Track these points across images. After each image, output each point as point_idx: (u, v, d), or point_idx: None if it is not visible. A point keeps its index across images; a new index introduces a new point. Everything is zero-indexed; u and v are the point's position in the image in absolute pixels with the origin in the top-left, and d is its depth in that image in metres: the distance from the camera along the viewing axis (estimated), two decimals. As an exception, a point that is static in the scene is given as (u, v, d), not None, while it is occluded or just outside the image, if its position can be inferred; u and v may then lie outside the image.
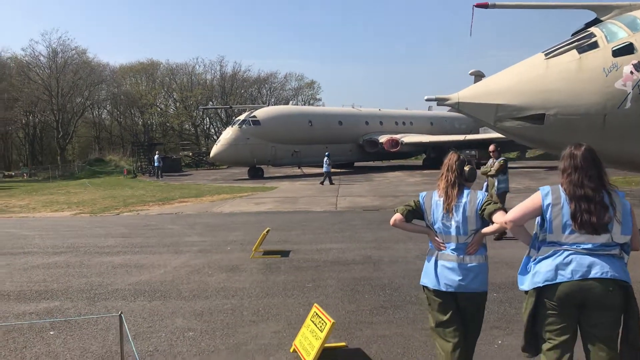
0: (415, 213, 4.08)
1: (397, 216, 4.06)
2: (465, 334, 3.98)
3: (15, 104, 56.39)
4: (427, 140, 41.85)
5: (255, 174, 35.58)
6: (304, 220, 14.54)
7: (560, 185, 3.59)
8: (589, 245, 3.39)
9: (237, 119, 38.01)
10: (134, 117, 70.66)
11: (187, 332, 5.83)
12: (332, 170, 29.12)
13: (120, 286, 7.89)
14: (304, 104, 73.11)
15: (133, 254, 10.30)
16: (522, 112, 10.82)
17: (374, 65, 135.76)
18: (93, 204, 21.15)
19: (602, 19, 11.28)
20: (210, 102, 70.39)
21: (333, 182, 27.68)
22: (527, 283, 3.60)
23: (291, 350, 5.22)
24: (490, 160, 11.29)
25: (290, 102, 57.85)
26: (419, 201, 4.11)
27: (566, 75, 10.31)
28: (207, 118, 73.24)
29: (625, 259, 3.46)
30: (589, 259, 3.39)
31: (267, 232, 10.18)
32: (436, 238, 4.01)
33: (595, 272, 3.36)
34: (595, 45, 10.41)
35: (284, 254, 9.88)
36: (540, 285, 3.49)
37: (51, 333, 5.94)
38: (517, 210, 3.57)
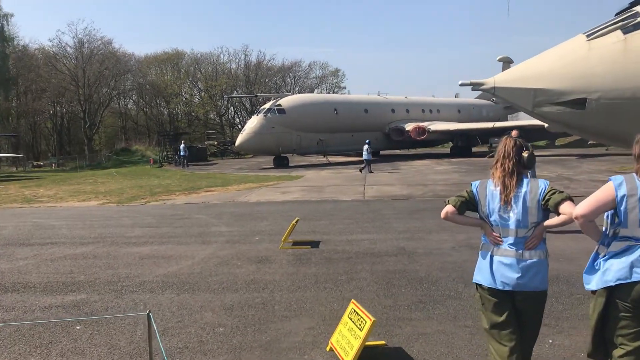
0: (469, 204, 3.72)
1: (449, 208, 3.71)
2: (521, 337, 3.63)
3: (43, 95, 57.22)
4: (455, 128, 41.16)
5: (281, 162, 35.44)
6: (332, 209, 14.26)
7: (635, 174, 3.19)
8: (670, 241, 3.02)
9: (262, 107, 37.83)
10: (160, 107, 71.17)
11: (217, 328, 5.59)
12: (356, 158, 28.76)
13: (148, 278, 7.70)
14: (329, 93, 72.73)
15: (160, 245, 10.14)
16: (562, 97, 10.33)
17: (400, 52, 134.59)
18: (120, 193, 21.18)
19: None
20: (235, 91, 70.41)
21: (372, 170, 27.27)
22: (595, 282, 3.24)
23: (327, 348, 4.93)
24: None
25: (315, 90, 57.44)
26: (472, 191, 3.74)
27: (610, 58, 9.79)
28: (232, 107, 73.41)
29: None
30: (668, 256, 3.01)
31: (297, 222, 9.90)
32: (492, 232, 3.66)
33: (676, 270, 2.98)
34: (641, 25, 9.86)
35: (314, 244, 9.61)
36: (612, 284, 3.13)
37: (77, 328, 5.74)
38: (588, 203, 3.18)
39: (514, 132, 10.32)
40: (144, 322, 5.52)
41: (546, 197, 3.50)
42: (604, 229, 3.27)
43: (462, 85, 11.52)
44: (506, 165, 3.64)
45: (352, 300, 4.97)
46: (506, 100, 11.63)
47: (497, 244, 3.63)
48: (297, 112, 35.74)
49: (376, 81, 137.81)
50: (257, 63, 72.70)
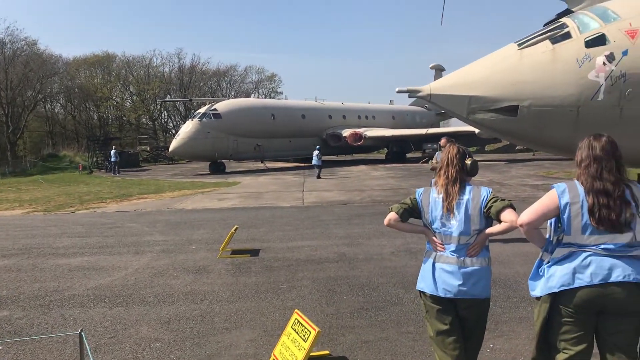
0: (412, 212, 3.71)
1: (392, 215, 3.68)
2: (466, 345, 3.63)
3: (-39, 97, 53.83)
4: (390, 134, 41.90)
5: (217, 168, 34.90)
6: (272, 216, 14.11)
7: (576, 180, 3.25)
8: (611, 246, 3.08)
9: (197, 112, 37.13)
10: (89, 111, 68.59)
11: (153, 343, 5.33)
12: (294, 164, 28.71)
13: (78, 291, 7.29)
14: (265, 98, 72.41)
15: (91, 255, 9.67)
16: (495, 104, 10.61)
17: (336, 59, 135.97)
18: (47, 201, 20.16)
19: (573, 9, 11.17)
20: (169, 95, 68.94)
21: (320, 176, 27.27)
22: (539, 288, 3.27)
23: (270, 361, 4.80)
24: (438, 155, 10.44)
25: (251, 95, 57.08)
26: (415, 199, 3.73)
27: (540, 66, 10.14)
28: (165, 112, 71.75)
29: None
30: (609, 261, 3.08)
31: (235, 230, 9.71)
32: (434, 238, 3.65)
33: (617, 275, 3.05)
34: (568, 35, 10.27)
35: (254, 253, 9.43)
36: (556, 290, 3.16)
37: None
38: (533, 211, 3.21)
39: (443, 140, 10.34)
40: (75, 339, 5.20)
41: (488, 205, 3.53)
42: (547, 235, 3.31)
43: (399, 92, 11.63)
44: (449, 173, 3.65)
45: (296, 310, 4.85)
46: (441, 107, 11.82)
47: (439, 250, 3.62)
48: (234, 116, 35.32)
49: (313, 87, 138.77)
50: (191, 67, 71.55)
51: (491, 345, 5.05)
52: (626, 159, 3.37)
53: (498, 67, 10.65)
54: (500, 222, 3.49)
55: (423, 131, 41.37)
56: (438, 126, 56.70)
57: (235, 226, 10.03)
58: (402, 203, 3.76)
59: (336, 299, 6.59)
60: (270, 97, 74.32)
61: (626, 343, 3.11)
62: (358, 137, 40.77)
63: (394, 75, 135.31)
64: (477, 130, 25.71)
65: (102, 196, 21.03)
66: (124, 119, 66.83)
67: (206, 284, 7.45)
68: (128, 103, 69.14)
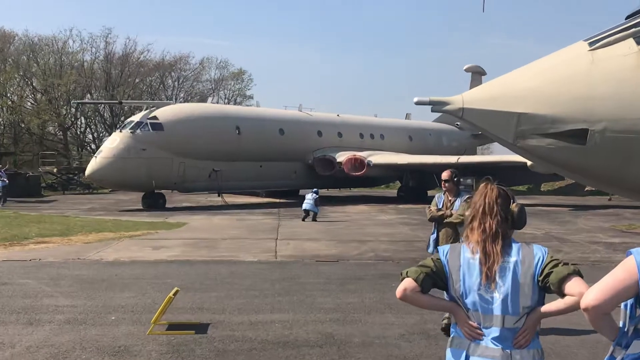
0: (436, 279, 3.69)
1: (409, 284, 3.64)
2: None
3: None
4: (405, 162, 42.17)
5: (154, 202, 34.87)
6: (229, 275, 14.04)
7: None
8: None
9: (128, 120, 37.26)
10: (-31, 114, 68.55)
11: None
12: (265, 200, 28.68)
13: (-62, 378, 7.16)
14: (229, 103, 72.76)
15: (-39, 325, 9.53)
16: (554, 126, 10.70)
17: (331, 52, 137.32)
18: None
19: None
20: (89, 95, 69.04)
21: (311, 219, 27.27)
22: (612, 394, 3.26)
23: None
24: (440, 197, 10.25)
25: (209, 99, 57.40)
26: (440, 260, 3.73)
27: (620, 75, 10.28)
28: (83, 118, 71.78)
29: None
30: None
31: (175, 293, 9.63)
32: (468, 320, 3.63)
33: None
34: (660, 33, 10.47)
35: (200, 328, 9.33)
36: (632, 400, 3.15)
37: None
38: (602, 289, 3.18)
39: (446, 174, 10.15)
40: None
41: (545, 271, 3.53)
42: (620, 323, 3.31)
43: (418, 103, 11.70)
44: (487, 225, 3.66)
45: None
46: (478, 128, 11.93)
47: (476, 338, 3.60)
48: (181, 128, 35.45)
49: (297, 91, 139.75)
50: (123, 55, 72.03)
51: None
52: None
53: (560, 75, 10.80)
54: (562, 295, 3.48)
55: (452, 159, 41.62)
56: (474, 152, 57.35)
57: (176, 289, 9.93)
58: (422, 266, 3.74)
59: (318, 402, 6.52)
60: (235, 103, 74.84)
61: None
62: (359, 163, 40.99)
63: (413, 79, 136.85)
64: (529, 162, 25.92)
65: (-17, 237, 20.82)
66: (22, 125, 66.69)
67: (128, 374, 7.35)
68: (29, 103, 69.13)
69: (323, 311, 10.58)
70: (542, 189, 53.07)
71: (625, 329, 3.27)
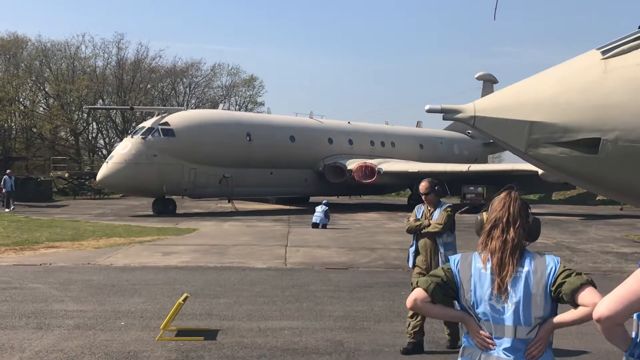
0: (446, 288, 3.68)
1: (419, 294, 3.64)
2: None
3: None
4: (416, 170, 42.06)
5: (165, 208, 34.97)
6: (239, 281, 14.05)
7: None
8: None
9: (140, 126, 37.36)
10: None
11: None
12: (275, 207, 28.68)
13: (-52, 382, 7.19)
14: (240, 109, 72.92)
15: (-29, 329, 9.57)
16: (567, 135, 10.67)
17: (342, 59, 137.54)
18: None
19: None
20: (101, 101, 69.24)
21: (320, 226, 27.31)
22: (622, 409, 3.23)
23: None
24: (420, 208, 9.66)
25: (220, 105, 57.48)
26: (451, 270, 3.71)
27: (633, 84, 10.25)
28: (95, 123, 72.00)
29: None
30: None
31: (185, 299, 9.64)
32: (479, 330, 3.61)
33: None
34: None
35: (209, 335, 9.35)
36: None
37: None
38: (615, 299, 3.15)
39: (424, 186, 9.43)
40: None
41: (558, 281, 3.51)
42: (633, 334, 3.28)
43: (429, 111, 11.71)
44: (510, 236, 3.64)
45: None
46: (490, 136, 11.90)
47: (488, 348, 3.58)
48: (192, 135, 35.56)
49: (308, 97, 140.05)
50: (135, 61, 72.17)
51: None
52: None
53: (572, 83, 10.76)
54: (576, 306, 3.46)
55: (463, 167, 41.60)
56: (485, 161, 57.25)
57: (185, 294, 9.97)
58: (432, 276, 3.74)
59: (327, 410, 6.50)
60: (246, 110, 74.99)
61: None
62: (370, 171, 40.99)
63: (424, 87, 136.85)
64: (540, 171, 25.85)
65: (-6, 241, 20.93)
66: (34, 130, 66.99)
67: (137, 379, 7.36)
68: (41, 108, 69.44)
69: (332, 319, 10.57)
70: (553, 198, 52.88)
71: (638, 340, 3.24)
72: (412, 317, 8.57)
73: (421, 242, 9.26)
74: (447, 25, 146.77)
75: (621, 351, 3.34)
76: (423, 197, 9.45)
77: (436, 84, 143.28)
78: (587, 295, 3.38)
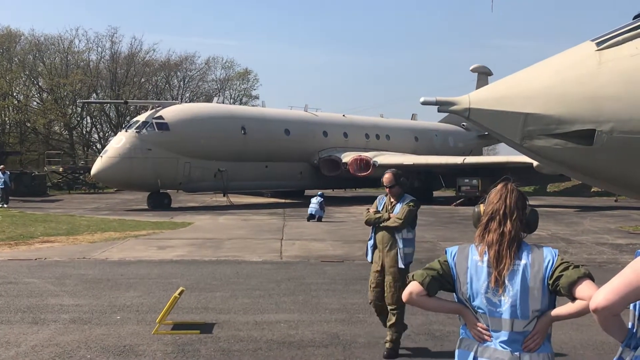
0: (442, 281, 3.68)
1: (414, 287, 3.63)
2: None
3: None
4: (410, 162, 42.12)
5: (159, 202, 35.00)
6: (234, 275, 14.06)
7: None
8: None
9: (134, 120, 37.32)
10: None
11: None
12: (270, 200, 28.70)
13: (-57, 377, 7.18)
14: (234, 103, 72.86)
15: (-34, 324, 9.56)
16: (561, 127, 10.68)
17: (337, 52, 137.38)
18: None
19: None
20: (94, 95, 69.16)
21: (316, 219, 27.29)
22: (618, 398, 3.24)
23: None
24: (382, 199, 8.97)
25: (214, 99, 57.41)
26: (447, 262, 3.71)
27: (628, 75, 10.25)
28: (89, 117, 71.95)
29: None
30: None
31: (180, 293, 9.64)
32: (476, 322, 3.62)
33: None
34: (670, 33, 10.43)
35: (205, 328, 9.36)
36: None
37: None
38: (611, 290, 3.15)
39: (387, 178, 8.69)
40: None
41: (555, 274, 3.50)
42: (629, 324, 3.29)
43: (424, 103, 11.69)
44: (507, 229, 3.63)
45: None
46: (485, 128, 11.90)
47: (484, 340, 3.58)
48: (187, 128, 35.53)
49: (302, 91, 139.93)
50: (129, 55, 72.21)
51: None
52: None
53: (567, 75, 10.77)
54: (573, 299, 3.45)
55: (458, 160, 41.68)
56: (480, 153, 57.33)
57: (181, 288, 9.95)
58: (428, 268, 3.73)
59: (323, 403, 6.52)
60: (241, 103, 74.98)
61: None
62: (365, 164, 41.00)
63: (419, 79, 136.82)
64: (535, 163, 25.89)
65: (-11, 236, 20.90)
66: (28, 125, 66.87)
67: (133, 373, 7.36)
68: (35, 103, 69.33)
69: (328, 311, 10.58)
70: (548, 190, 52.97)
71: (635, 330, 3.25)
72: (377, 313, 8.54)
73: (379, 235, 8.64)
74: (442, 18, 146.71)
75: (618, 342, 3.35)
76: (387, 189, 8.70)
77: (431, 76, 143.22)
78: (584, 289, 3.38)
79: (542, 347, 3.55)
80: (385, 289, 8.18)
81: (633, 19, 11.45)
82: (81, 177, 52.82)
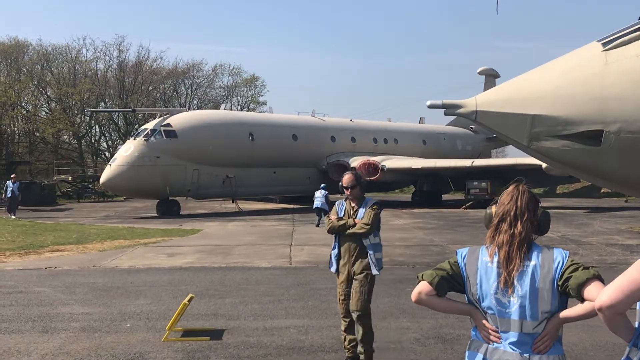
0: (452, 282, 3.67)
1: (424, 287, 3.62)
2: None
3: None
4: (419, 166, 42.12)
5: (169, 209, 35.06)
6: (244, 281, 14.06)
7: None
8: None
9: (142, 128, 37.40)
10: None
11: None
12: (279, 206, 28.69)
13: (-45, 387, 7.21)
14: (242, 109, 72.94)
15: (-23, 333, 9.59)
16: (569, 128, 10.66)
17: (343, 57, 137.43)
18: None
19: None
20: (102, 104, 69.33)
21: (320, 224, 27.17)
22: (627, 398, 3.23)
23: None
24: (342, 204, 8.42)
25: (222, 105, 57.48)
26: (457, 263, 3.70)
27: (635, 75, 10.23)
28: (97, 126, 72.09)
29: None
30: None
31: (190, 300, 9.64)
32: (485, 323, 3.61)
33: None
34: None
35: (215, 334, 9.36)
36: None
37: None
38: (616, 289, 3.14)
39: (347, 179, 8.21)
40: None
41: (565, 276, 3.48)
42: (636, 324, 3.27)
43: (431, 107, 11.71)
44: (517, 230, 3.61)
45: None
46: (492, 130, 11.89)
47: (493, 342, 3.58)
48: (195, 135, 35.58)
49: (310, 96, 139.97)
50: (136, 63, 72.32)
51: None
52: None
53: (574, 76, 10.75)
54: (582, 301, 3.43)
55: (467, 162, 41.55)
56: (489, 156, 57.12)
57: (190, 295, 9.96)
58: (438, 269, 3.72)
59: (333, 407, 6.51)
60: (248, 109, 74.99)
61: None
62: (373, 168, 40.95)
63: (426, 82, 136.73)
64: (544, 165, 25.83)
65: (-1, 246, 20.97)
66: (37, 134, 67.08)
67: (144, 380, 7.37)
68: (44, 112, 69.52)
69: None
70: (557, 192, 52.84)
71: (641, 329, 3.24)
72: (346, 330, 8.04)
73: (345, 245, 8.07)
74: (448, 20, 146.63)
75: (625, 342, 3.34)
76: (347, 191, 8.10)
77: (438, 80, 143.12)
78: (593, 290, 3.35)
79: (553, 349, 3.52)
80: (351, 294, 7.80)
81: (639, 19, 11.42)
82: (90, 185, 52.97)
